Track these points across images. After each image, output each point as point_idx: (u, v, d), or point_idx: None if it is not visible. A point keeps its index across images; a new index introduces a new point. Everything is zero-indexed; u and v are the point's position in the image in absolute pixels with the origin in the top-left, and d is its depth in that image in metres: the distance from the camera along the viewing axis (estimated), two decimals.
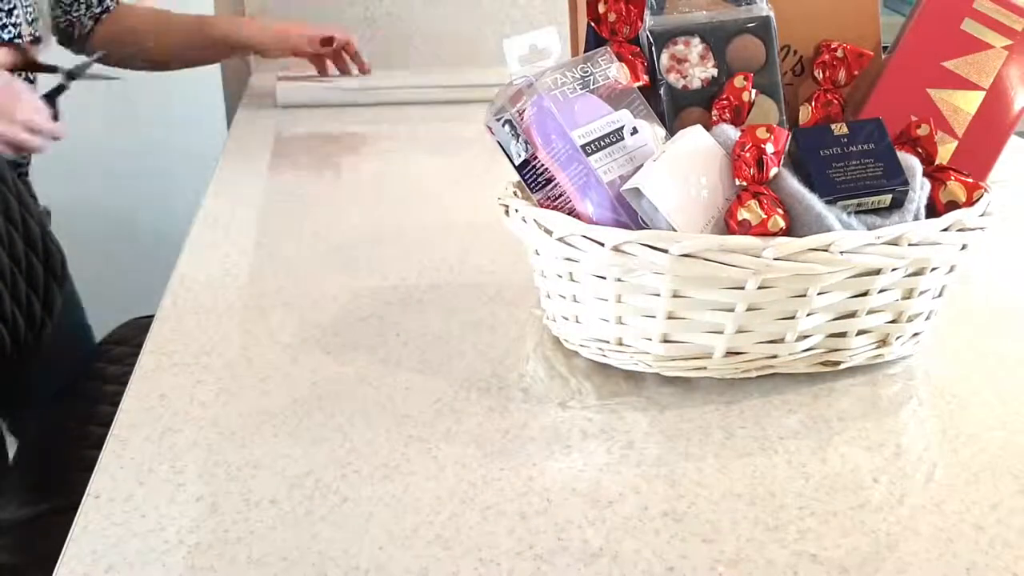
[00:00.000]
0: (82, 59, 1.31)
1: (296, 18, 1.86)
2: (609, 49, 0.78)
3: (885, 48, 0.83)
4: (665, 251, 0.68)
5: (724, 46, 0.79)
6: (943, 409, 0.75)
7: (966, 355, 0.82)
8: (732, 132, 0.74)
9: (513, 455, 0.68)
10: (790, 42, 0.82)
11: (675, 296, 0.71)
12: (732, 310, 0.71)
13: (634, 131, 0.75)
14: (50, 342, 1.22)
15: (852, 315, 0.74)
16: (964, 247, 0.73)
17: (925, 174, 0.74)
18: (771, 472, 0.66)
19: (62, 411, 1.20)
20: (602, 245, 0.69)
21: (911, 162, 0.73)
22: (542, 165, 0.73)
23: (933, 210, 0.73)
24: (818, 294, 0.71)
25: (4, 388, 1.23)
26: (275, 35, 1.57)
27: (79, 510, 0.63)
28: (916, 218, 0.72)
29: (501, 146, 0.75)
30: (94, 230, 1.54)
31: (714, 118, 0.78)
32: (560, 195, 0.73)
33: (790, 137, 0.72)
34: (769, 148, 0.70)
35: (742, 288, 0.70)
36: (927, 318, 0.78)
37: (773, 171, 0.70)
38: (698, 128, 0.75)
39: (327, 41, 1.62)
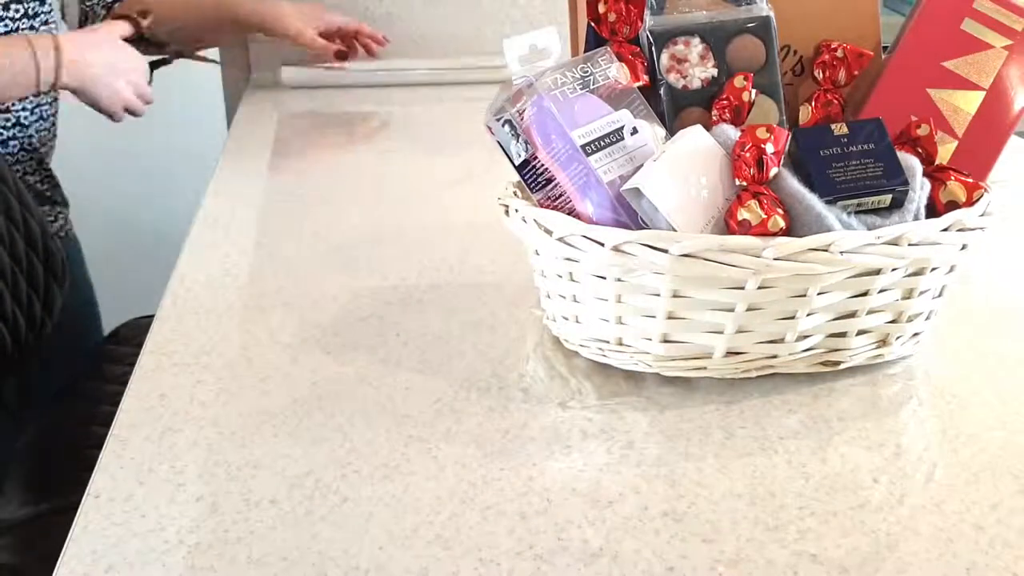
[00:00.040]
0: None
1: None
2: (609, 49, 0.78)
3: (885, 48, 0.83)
4: (665, 251, 0.68)
5: (724, 46, 0.79)
6: (943, 409, 0.75)
7: (966, 355, 0.82)
8: (732, 132, 0.74)
9: (513, 455, 0.68)
10: (790, 42, 0.82)
11: (675, 296, 0.71)
12: (732, 310, 0.71)
13: (634, 131, 0.75)
14: (50, 342, 1.22)
15: (852, 315, 0.74)
16: (964, 247, 0.73)
17: (925, 174, 0.74)
18: (771, 472, 0.66)
19: (62, 411, 1.20)
20: (602, 245, 0.69)
21: (911, 162, 0.73)
22: (542, 165, 0.73)
23: (933, 210, 0.73)
24: (818, 294, 0.71)
25: (4, 388, 1.23)
26: (276, 16, 1.57)
27: (79, 510, 0.63)
28: (916, 218, 0.72)
29: (501, 146, 0.75)
30: (94, 230, 1.54)
31: (714, 118, 0.78)
32: (560, 195, 0.73)
33: (790, 137, 0.72)
34: (769, 148, 0.70)
35: (742, 288, 0.70)
36: (927, 318, 0.78)
37: (773, 171, 0.70)
38: (698, 128, 0.75)
39: (342, 55, 1.63)
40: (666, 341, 0.74)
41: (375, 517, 0.62)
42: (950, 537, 0.61)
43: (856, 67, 0.80)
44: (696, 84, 0.79)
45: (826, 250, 0.68)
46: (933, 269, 0.74)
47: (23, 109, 1.29)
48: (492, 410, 0.73)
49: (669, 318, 0.72)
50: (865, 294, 0.73)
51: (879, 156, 0.72)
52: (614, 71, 0.77)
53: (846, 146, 0.73)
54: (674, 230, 0.70)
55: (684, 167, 0.72)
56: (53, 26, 1.29)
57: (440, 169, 1.26)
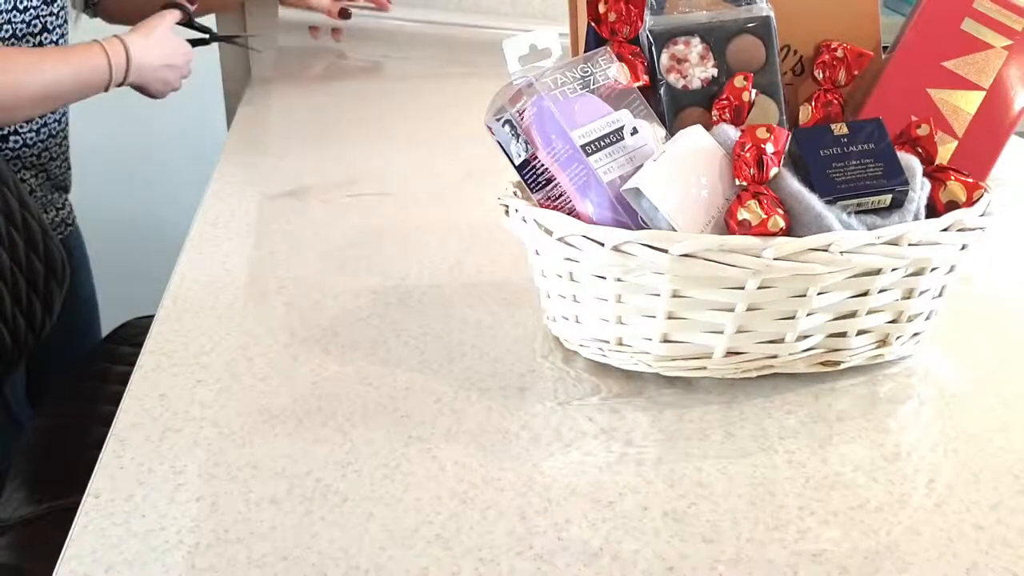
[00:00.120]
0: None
1: (294, 17, 1.87)
2: (609, 49, 0.78)
3: (885, 48, 0.83)
4: (665, 251, 0.68)
5: (724, 46, 0.79)
6: (943, 409, 0.75)
7: (966, 355, 0.82)
8: (732, 132, 0.74)
9: (513, 455, 0.68)
10: (790, 42, 0.82)
11: (675, 296, 0.71)
12: (732, 310, 0.71)
13: (634, 131, 0.75)
14: (50, 342, 1.23)
15: (852, 315, 0.74)
16: (964, 247, 0.73)
17: (925, 174, 0.74)
18: (771, 472, 0.66)
19: (62, 411, 1.20)
20: (602, 245, 0.69)
21: (911, 162, 0.73)
22: (542, 165, 0.73)
23: (933, 210, 0.73)
24: (818, 294, 0.71)
25: (4, 388, 1.23)
26: None
27: (79, 510, 0.63)
28: (916, 218, 0.72)
29: (501, 146, 0.75)
30: (94, 230, 1.55)
31: (714, 118, 0.78)
32: (560, 195, 0.73)
33: (790, 137, 0.72)
34: (769, 148, 0.70)
35: (742, 288, 0.70)
36: (927, 318, 0.78)
37: (773, 171, 0.70)
38: (698, 128, 0.75)
39: (345, 14, 1.74)
40: (666, 341, 0.74)
41: (375, 517, 0.62)
42: (950, 537, 0.61)
43: (856, 67, 0.80)
44: (696, 84, 0.79)
45: (826, 250, 0.68)
46: (933, 269, 0.74)
47: (30, 131, 1.31)
48: (492, 410, 0.73)
49: (669, 318, 0.72)
50: (865, 294, 0.73)
51: (879, 156, 0.72)
52: (614, 71, 0.77)
53: (846, 146, 0.73)
54: (674, 230, 0.70)
55: (684, 167, 0.72)
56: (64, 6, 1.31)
57: (440, 169, 1.26)
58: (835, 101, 0.80)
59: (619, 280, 0.72)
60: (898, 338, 0.77)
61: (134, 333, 1.31)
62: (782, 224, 0.68)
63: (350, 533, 0.60)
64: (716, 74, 0.79)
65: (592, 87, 0.76)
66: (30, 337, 1.17)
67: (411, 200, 1.15)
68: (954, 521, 0.62)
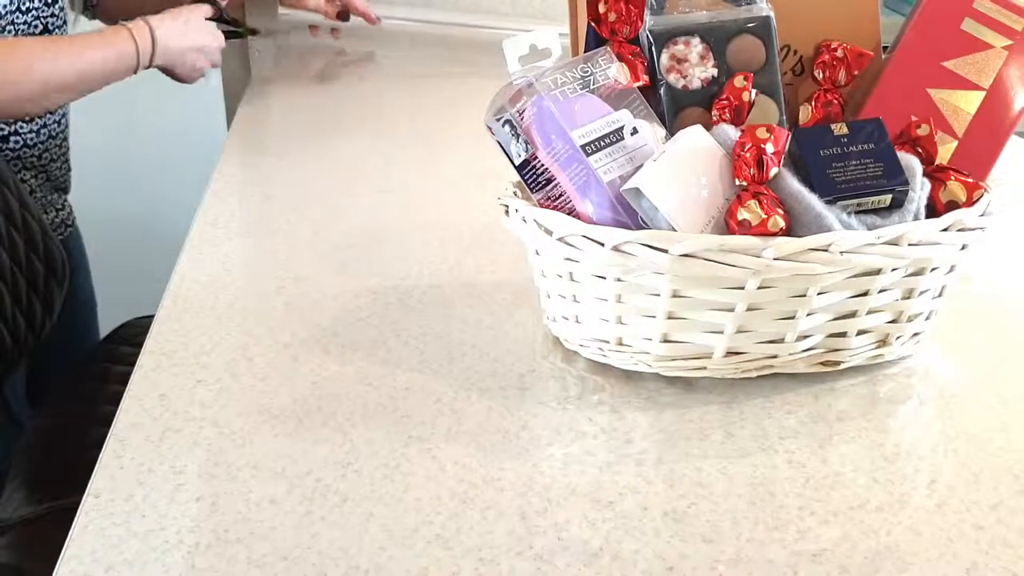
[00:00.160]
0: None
1: (294, 16, 1.87)
2: (609, 49, 0.78)
3: (885, 48, 0.83)
4: (665, 251, 0.68)
5: (724, 46, 0.79)
6: (943, 409, 0.75)
7: (966, 355, 0.82)
8: (732, 132, 0.74)
9: (513, 455, 0.68)
10: (790, 42, 0.82)
11: (675, 296, 0.71)
12: (732, 310, 0.71)
13: (634, 131, 0.75)
14: (50, 342, 1.23)
15: (852, 315, 0.74)
16: (964, 247, 0.73)
17: (925, 174, 0.74)
18: (771, 472, 0.66)
19: (62, 411, 1.20)
20: (602, 245, 0.69)
21: (911, 162, 0.73)
22: (542, 165, 0.73)
23: (933, 210, 0.73)
24: (818, 294, 0.71)
25: (4, 388, 1.23)
26: None
27: (79, 510, 0.63)
28: (916, 218, 0.72)
29: (501, 146, 0.75)
30: (94, 230, 1.55)
31: (714, 118, 0.78)
32: (560, 195, 0.73)
33: (790, 137, 0.72)
34: (769, 148, 0.70)
35: (742, 288, 0.70)
36: (927, 318, 0.78)
37: (773, 171, 0.70)
38: (698, 128, 0.75)
39: (343, 15, 1.76)
40: (666, 341, 0.74)
41: (375, 517, 0.62)
42: (950, 537, 0.61)
43: (856, 67, 0.80)
44: (696, 84, 0.79)
45: (826, 250, 0.68)
46: (933, 269, 0.74)
47: (30, 131, 1.31)
48: (492, 410, 0.73)
49: (669, 318, 0.72)
50: (865, 294, 0.73)
51: (879, 156, 0.72)
52: (614, 71, 0.77)
53: (846, 146, 0.73)
54: (674, 230, 0.70)
55: (684, 167, 0.72)
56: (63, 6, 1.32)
57: (441, 168, 1.26)
58: (835, 101, 0.80)
59: (619, 280, 0.72)
60: (898, 338, 0.77)
61: (134, 333, 1.31)
62: (782, 224, 0.68)
63: (350, 533, 0.60)
64: (716, 74, 0.79)
65: (592, 87, 0.76)
66: (30, 337, 1.17)
67: (411, 200, 1.15)
68: (954, 521, 0.62)
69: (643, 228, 0.71)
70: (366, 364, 0.79)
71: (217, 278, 0.93)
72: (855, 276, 0.71)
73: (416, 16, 1.94)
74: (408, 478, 0.65)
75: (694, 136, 0.74)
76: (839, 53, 0.80)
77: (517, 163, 0.74)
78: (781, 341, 0.73)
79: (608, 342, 0.76)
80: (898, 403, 0.75)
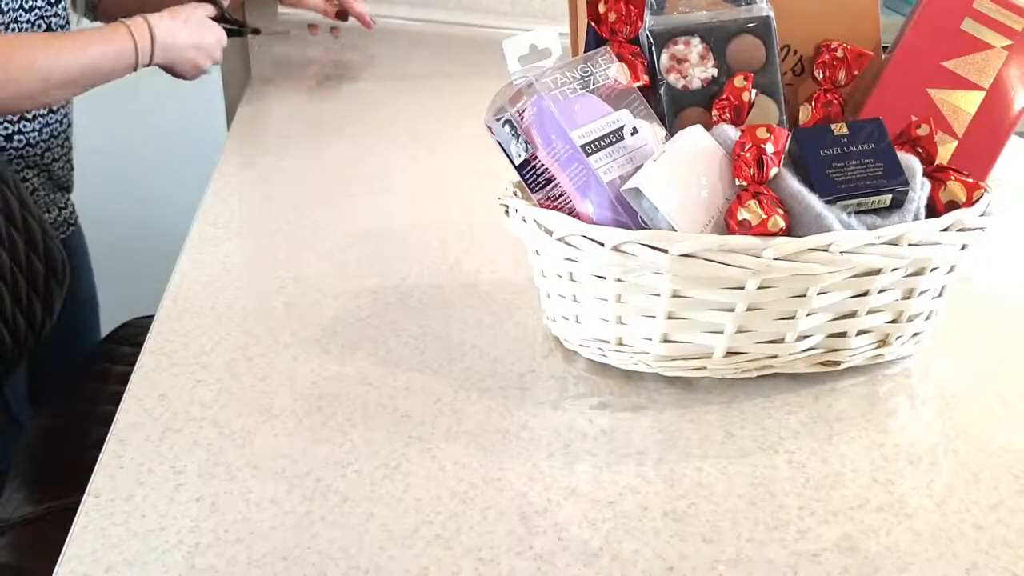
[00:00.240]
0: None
1: (293, 16, 1.88)
2: (609, 49, 0.78)
3: (885, 48, 0.83)
4: (665, 251, 0.68)
5: (724, 46, 0.79)
6: (943, 409, 0.75)
7: (966, 355, 0.82)
8: (732, 132, 0.74)
9: (513, 455, 0.68)
10: (790, 42, 0.82)
11: (675, 296, 0.71)
12: (732, 310, 0.71)
13: (634, 131, 0.75)
14: (50, 342, 1.23)
15: (852, 315, 0.74)
16: (964, 247, 0.73)
17: (925, 174, 0.74)
18: (771, 472, 0.66)
19: (62, 411, 1.20)
20: (602, 245, 0.69)
21: (911, 162, 0.73)
22: (542, 165, 0.73)
23: (933, 210, 0.73)
24: (818, 294, 0.71)
25: (4, 388, 1.23)
26: None
27: (79, 510, 0.63)
28: (916, 218, 0.72)
29: (501, 146, 0.75)
30: (94, 230, 1.55)
31: (714, 118, 0.78)
32: (560, 195, 0.73)
33: (790, 137, 0.72)
34: (769, 148, 0.70)
35: (742, 288, 0.70)
36: (927, 318, 0.78)
37: (773, 171, 0.70)
38: (698, 128, 0.75)
39: (342, 15, 1.75)
40: (666, 341, 0.74)
41: (375, 517, 0.62)
42: (950, 537, 0.61)
43: (856, 67, 0.80)
44: (696, 84, 0.79)
45: (826, 250, 0.68)
46: (933, 269, 0.74)
47: (32, 131, 1.31)
48: (492, 410, 0.73)
49: (669, 318, 0.72)
50: (865, 294, 0.73)
51: (879, 156, 0.72)
52: (614, 71, 0.77)
53: (846, 146, 0.73)
54: (674, 230, 0.70)
55: (684, 167, 0.72)
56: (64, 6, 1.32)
57: (441, 168, 1.26)
58: (835, 101, 0.80)
59: (619, 280, 0.72)
60: (898, 338, 0.77)
61: (134, 333, 1.31)
62: (782, 224, 0.68)
63: (350, 533, 0.60)
64: (716, 74, 0.79)
65: (592, 87, 0.76)
66: (30, 337, 1.17)
67: (411, 200, 1.15)
68: (954, 521, 0.62)
69: (643, 228, 0.71)
70: (366, 364, 0.79)
71: (217, 278, 0.93)
72: (855, 276, 0.71)
73: (416, 16, 1.94)
74: (408, 478, 0.65)
75: (694, 136, 0.74)
76: (839, 53, 0.80)
77: (517, 163, 0.74)
78: (781, 341, 0.73)
79: (608, 342, 0.76)
80: (898, 403, 0.75)
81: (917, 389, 0.77)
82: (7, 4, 1.21)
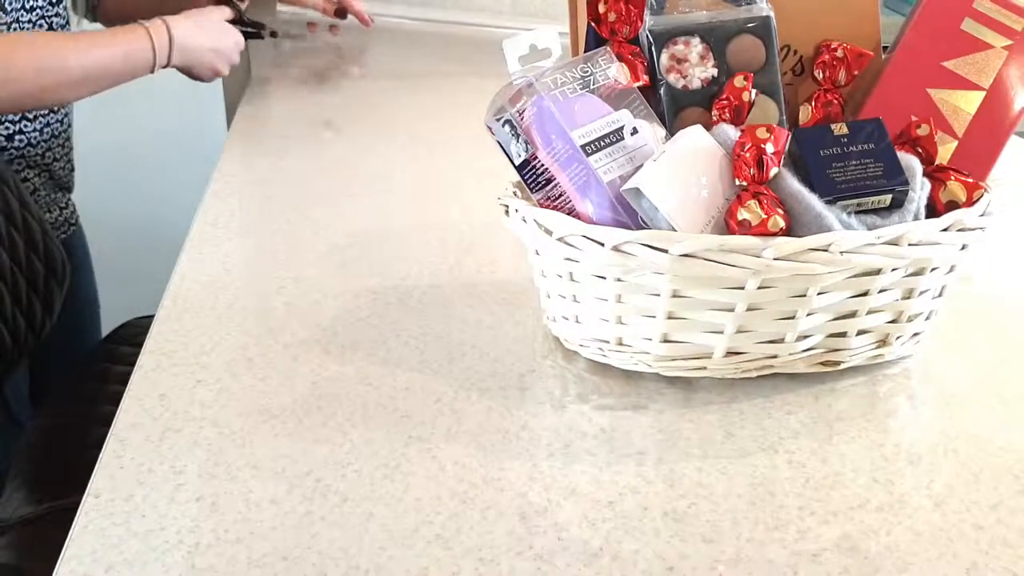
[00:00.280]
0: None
1: (292, 17, 1.88)
2: (609, 49, 0.78)
3: (885, 48, 0.83)
4: (665, 251, 0.68)
5: (724, 46, 0.79)
6: (943, 409, 0.75)
7: (966, 355, 0.82)
8: (732, 132, 0.74)
9: (513, 455, 0.68)
10: (790, 42, 0.82)
11: (675, 296, 0.71)
12: (732, 310, 0.71)
13: (634, 131, 0.75)
14: (50, 342, 1.23)
15: (852, 315, 0.74)
16: (964, 247, 0.73)
17: (925, 174, 0.74)
18: (771, 472, 0.66)
19: (62, 411, 1.20)
20: (602, 245, 0.69)
21: (911, 162, 0.73)
22: (542, 165, 0.73)
23: (933, 210, 0.73)
24: (818, 294, 0.71)
25: (4, 388, 1.23)
26: None
27: (79, 510, 0.63)
28: (916, 218, 0.72)
29: (501, 146, 0.75)
30: (94, 230, 1.55)
31: (714, 118, 0.78)
32: (560, 195, 0.73)
33: (790, 137, 0.72)
34: (769, 148, 0.70)
35: (742, 288, 0.70)
36: (927, 318, 0.78)
37: (773, 171, 0.70)
38: (698, 128, 0.75)
39: (341, 13, 1.77)
40: (666, 341, 0.74)
41: (375, 517, 0.62)
42: (950, 537, 0.61)
43: (856, 67, 0.80)
44: (696, 84, 0.79)
45: (826, 250, 0.68)
46: (933, 269, 0.74)
47: (33, 130, 1.31)
48: (492, 410, 0.73)
49: (669, 318, 0.72)
50: (865, 294, 0.73)
51: (879, 156, 0.72)
52: (614, 71, 0.77)
53: (846, 146, 0.73)
54: (674, 230, 0.70)
55: (684, 167, 0.72)
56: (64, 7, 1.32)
57: (441, 168, 1.26)
58: (835, 101, 0.80)
59: (619, 280, 0.72)
60: (898, 338, 0.77)
61: (134, 333, 1.31)
62: (782, 224, 0.68)
63: (350, 533, 0.60)
64: (716, 74, 0.79)
65: (592, 87, 0.76)
66: (30, 337, 1.17)
67: (411, 200, 1.15)
68: (954, 521, 0.62)
69: (643, 228, 0.71)
70: (366, 364, 0.79)
71: (217, 278, 0.93)
72: (855, 276, 0.71)
73: (415, 15, 1.94)
74: (408, 478, 0.65)
75: (694, 136, 0.74)
76: (839, 53, 0.80)
77: (517, 163, 0.74)
78: (781, 341, 0.73)
79: (608, 342, 0.76)
80: (898, 403, 0.75)
81: (917, 389, 0.77)
82: (10, 4, 1.21)
